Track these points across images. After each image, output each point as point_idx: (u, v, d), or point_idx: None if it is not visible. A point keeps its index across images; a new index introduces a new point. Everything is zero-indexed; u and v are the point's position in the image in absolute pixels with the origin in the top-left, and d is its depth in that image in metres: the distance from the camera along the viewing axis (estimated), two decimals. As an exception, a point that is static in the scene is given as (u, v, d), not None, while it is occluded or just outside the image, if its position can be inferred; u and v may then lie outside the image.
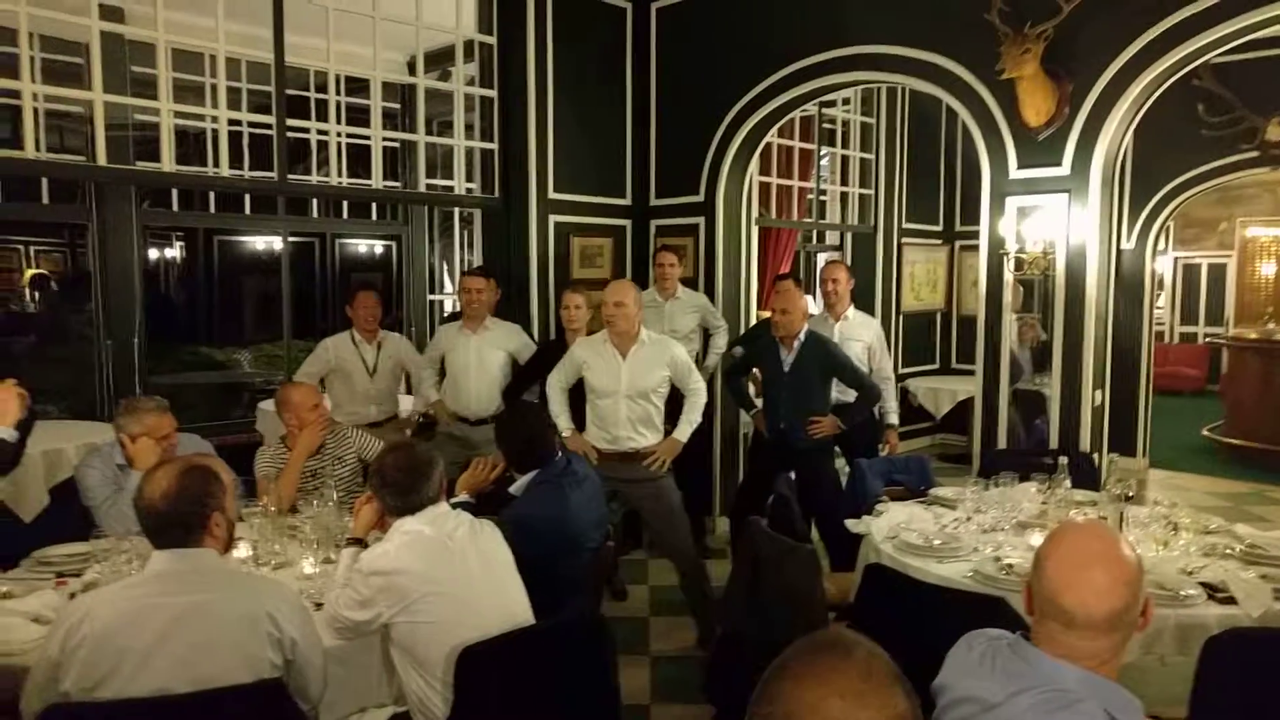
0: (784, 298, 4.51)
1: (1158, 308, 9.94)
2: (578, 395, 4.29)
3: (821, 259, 9.07)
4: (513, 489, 3.10)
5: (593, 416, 4.18)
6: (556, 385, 4.28)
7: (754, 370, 5.00)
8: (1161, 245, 8.91)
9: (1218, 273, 13.18)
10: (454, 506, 2.54)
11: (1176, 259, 13.37)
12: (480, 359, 4.86)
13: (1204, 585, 2.65)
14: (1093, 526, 1.59)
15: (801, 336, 4.48)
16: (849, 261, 8.25)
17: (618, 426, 4.09)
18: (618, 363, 4.08)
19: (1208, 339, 12.97)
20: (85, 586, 2.52)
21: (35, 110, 5.35)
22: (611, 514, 3.56)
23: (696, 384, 4.23)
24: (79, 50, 5.39)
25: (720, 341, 5.62)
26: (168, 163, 4.76)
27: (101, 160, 4.52)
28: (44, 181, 5.98)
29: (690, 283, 5.98)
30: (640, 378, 4.07)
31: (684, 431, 4.18)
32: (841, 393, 4.82)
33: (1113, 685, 1.42)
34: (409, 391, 5.47)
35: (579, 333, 4.85)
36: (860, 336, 5.12)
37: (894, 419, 5.21)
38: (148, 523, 2.04)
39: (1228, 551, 2.96)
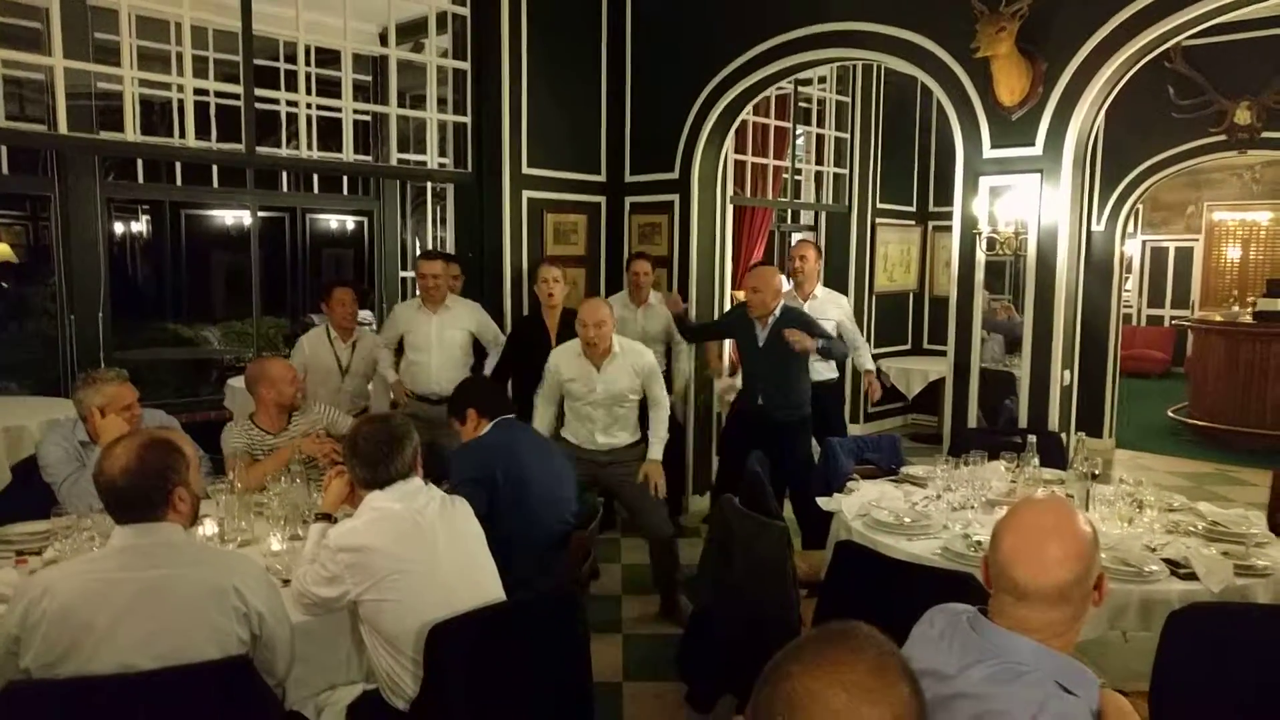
0: (757, 277, 4.58)
1: (1125, 290, 10.08)
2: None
3: (796, 239, 9.09)
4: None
5: (571, 416, 4.36)
6: (541, 404, 4.39)
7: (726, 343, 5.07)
8: (1130, 228, 8.99)
9: (1185, 256, 13.37)
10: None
11: (1145, 242, 13.54)
12: (441, 339, 4.80)
13: (1167, 561, 2.69)
14: (1049, 501, 1.60)
15: (776, 312, 4.55)
16: (823, 241, 8.29)
17: (595, 430, 4.27)
18: (593, 375, 4.22)
19: (1174, 321, 13.16)
20: (46, 564, 2.48)
21: (-7, 77, 5.23)
22: (586, 502, 3.60)
23: (661, 394, 4.35)
24: (39, 15, 5.24)
25: (684, 366, 5.61)
26: (132, 132, 4.66)
27: (62, 129, 4.41)
28: (3, 151, 5.83)
29: (664, 261, 5.98)
30: (613, 385, 4.24)
31: (657, 450, 4.31)
32: (815, 375, 4.90)
33: (1066, 658, 1.43)
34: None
35: (556, 309, 4.85)
36: (828, 315, 5.16)
37: (870, 365, 5.39)
38: (109, 499, 1.99)
39: (1190, 529, 3.02)
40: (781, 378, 4.55)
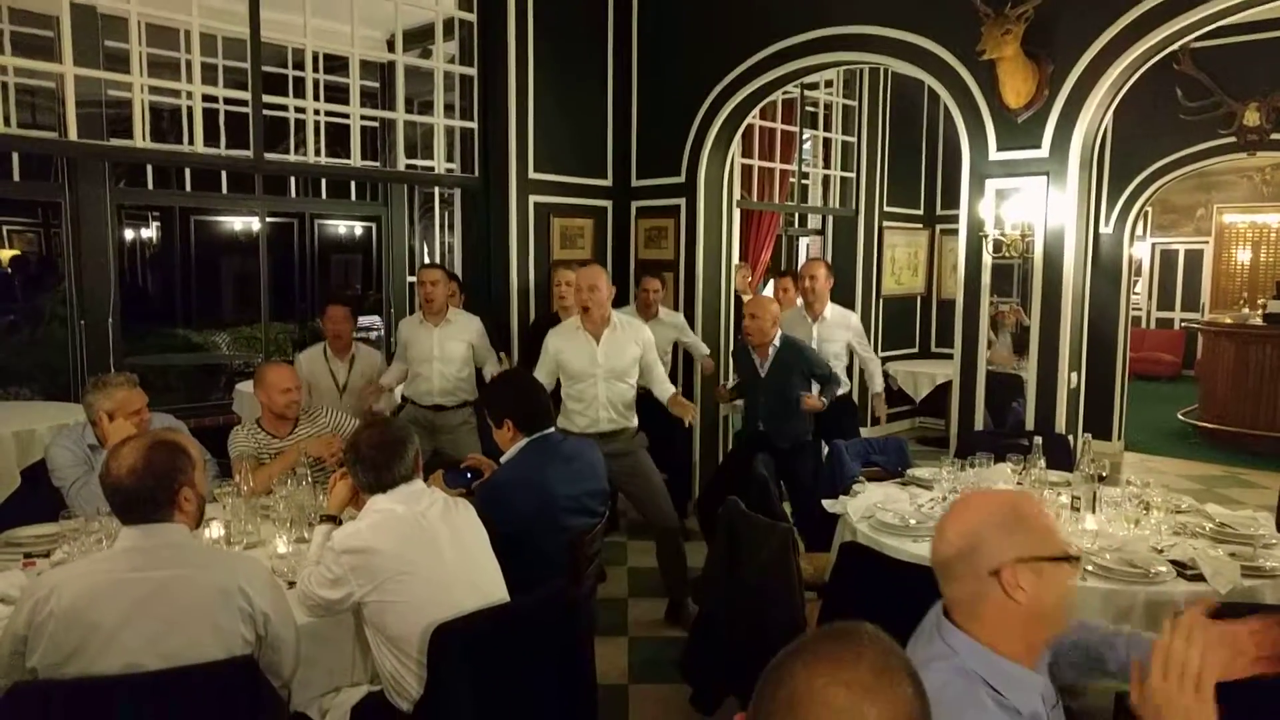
0: (754, 304, 4.57)
1: (1135, 293, 10.04)
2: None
3: (803, 243, 9.08)
4: (503, 458, 3.07)
5: (569, 400, 4.23)
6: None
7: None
8: (1139, 230, 8.96)
9: (1194, 258, 13.30)
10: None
11: (1154, 244, 13.47)
12: (443, 350, 4.84)
13: (1173, 563, 2.68)
14: (986, 490, 1.68)
15: (776, 343, 4.52)
16: (830, 245, 8.28)
17: (597, 409, 4.16)
18: (592, 346, 4.15)
19: (1184, 324, 13.09)
20: (53, 567, 2.49)
21: (4, 84, 5.28)
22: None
23: (658, 367, 4.30)
24: (50, 23, 5.29)
25: (704, 349, 5.72)
26: (141, 139, 4.69)
27: (73, 135, 4.45)
28: (15, 157, 5.88)
29: (670, 265, 5.99)
30: (614, 358, 4.15)
31: (670, 389, 4.28)
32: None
33: (1011, 664, 1.44)
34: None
35: (572, 309, 4.85)
36: (836, 337, 5.15)
37: (879, 387, 5.35)
38: (115, 499, 2.01)
39: (1198, 530, 3.00)
40: (782, 407, 4.53)
